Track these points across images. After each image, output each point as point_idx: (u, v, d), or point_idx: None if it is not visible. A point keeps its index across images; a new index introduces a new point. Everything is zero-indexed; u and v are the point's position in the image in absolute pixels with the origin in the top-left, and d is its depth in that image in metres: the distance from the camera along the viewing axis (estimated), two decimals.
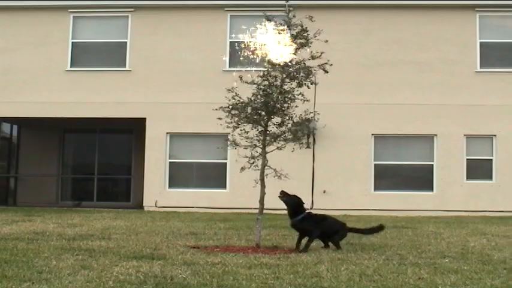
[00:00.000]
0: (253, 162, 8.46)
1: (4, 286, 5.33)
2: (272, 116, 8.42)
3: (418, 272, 6.44)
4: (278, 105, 8.32)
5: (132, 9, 18.63)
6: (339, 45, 17.89)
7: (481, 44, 18.01)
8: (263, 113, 8.38)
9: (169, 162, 18.26)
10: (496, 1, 18.14)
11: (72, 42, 18.70)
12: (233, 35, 17.99)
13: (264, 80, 8.35)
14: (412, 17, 18.25)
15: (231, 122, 8.44)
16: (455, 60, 17.95)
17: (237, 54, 16.11)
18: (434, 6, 18.20)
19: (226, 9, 18.36)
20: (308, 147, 17.01)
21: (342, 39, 18.04)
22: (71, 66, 18.66)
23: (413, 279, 6.01)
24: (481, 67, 17.95)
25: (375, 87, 17.97)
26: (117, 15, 18.77)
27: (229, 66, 17.84)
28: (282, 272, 6.28)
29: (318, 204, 16.83)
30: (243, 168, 8.40)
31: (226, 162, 17.65)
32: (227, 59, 18.05)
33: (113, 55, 18.74)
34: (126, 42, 18.59)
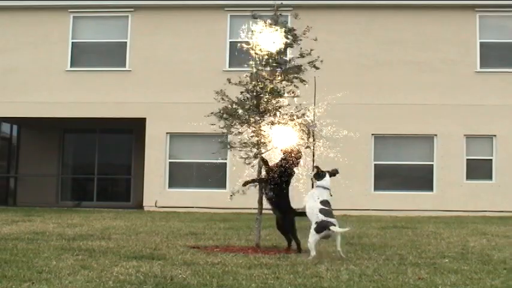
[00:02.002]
0: (249, 163, 8.45)
1: (4, 286, 5.33)
2: (264, 116, 8.41)
3: (418, 272, 6.44)
4: (270, 107, 8.31)
5: (132, 9, 18.63)
6: (339, 45, 17.90)
7: (481, 44, 18.01)
8: (255, 114, 8.38)
9: (169, 162, 18.26)
10: (496, 1, 18.14)
11: (72, 42, 18.70)
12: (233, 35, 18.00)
13: (251, 81, 8.35)
14: (412, 17, 18.25)
15: (225, 126, 8.43)
16: (455, 60, 17.95)
17: (237, 54, 16.08)
18: (434, 6, 18.20)
19: (226, 9, 18.36)
20: (308, 147, 17.00)
21: (342, 39, 18.05)
22: (71, 66, 18.66)
23: (413, 279, 6.01)
24: (481, 67, 17.95)
25: (374, 87, 17.96)
26: (117, 15, 18.77)
27: (229, 66, 17.86)
28: (282, 272, 6.28)
29: None
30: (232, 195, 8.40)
31: (226, 163, 17.64)
32: (226, 58, 18.07)
33: (113, 55, 18.74)
34: (126, 42, 18.60)
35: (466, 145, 17.78)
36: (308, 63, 8.34)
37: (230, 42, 18.25)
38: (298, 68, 8.30)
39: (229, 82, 8.32)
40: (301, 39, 8.42)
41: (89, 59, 18.88)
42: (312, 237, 7.34)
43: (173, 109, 18.12)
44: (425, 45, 18.00)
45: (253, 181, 8.39)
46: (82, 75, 18.66)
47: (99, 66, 18.67)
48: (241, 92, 8.36)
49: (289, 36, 8.34)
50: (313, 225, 7.40)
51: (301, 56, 8.34)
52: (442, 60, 17.94)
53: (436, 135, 17.83)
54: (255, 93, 8.32)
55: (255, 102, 8.30)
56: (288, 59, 8.47)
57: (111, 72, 18.64)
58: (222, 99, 8.38)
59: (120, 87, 18.46)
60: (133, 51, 18.53)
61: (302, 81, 8.41)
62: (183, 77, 18.25)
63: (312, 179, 7.90)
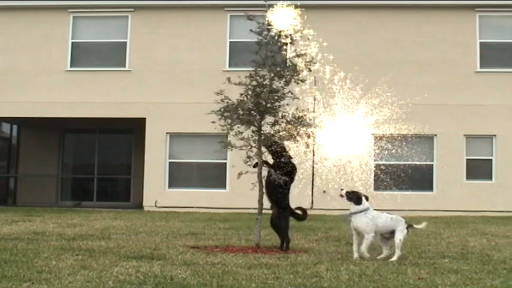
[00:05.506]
0: (247, 161, 8.45)
1: (4, 286, 5.33)
2: (265, 116, 8.41)
3: (418, 272, 6.44)
4: (269, 105, 8.31)
5: (132, 9, 18.63)
6: (339, 45, 17.88)
7: (481, 44, 18.00)
8: (255, 113, 8.38)
9: (169, 162, 18.26)
10: (496, 1, 18.14)
11: (72, 42, 18.70)
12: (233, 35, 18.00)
13: (252, 80, 8.34)
14: (412, 17, 18.25)
15: (225, 125, 8.43)
16: (455, 60, 17.94)
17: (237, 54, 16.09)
18: (434, 6, 18.20)
19: (226, 9, 18.36)
20: (308, 147, 17.00)
21: (342, 39, 18.04)
22: (71, 66, 18.66)
23: (413, 279, 6.01)
24: (481, 67, 17.95)
25: (374, 87, 17.94)
26: (117, 15, 18.77)
27: (229, 66, 17.86)
28: (282, 272, 6.28)
29: (318, 204, 16.83)
30: (240, 174, 8.34)
31: (226, 163, 17.64)
32: (226, 58, 18.07)
33: (113, 55, 18.73)
34: (126, 42, 18.59)
35: (466, 145, 17.78)
36: (305, 63, 8.32)
37: (230, 42, 18.25)
38: (295, 68, 8.29)
39: (229, 82, 8.30)
40: (295, 39, 8.41)
41: (89, 59, 18.88)
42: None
43: (173, 109, 18.12)
44: (425, 45, 18.00)
45: (265, 163, 8.48)
46: (82, 75, 18.66)
47: (99, 66, 18.67)
48: (241, 94, 8.35)
49: (291, 35, 8.33)
50: (403, 227, 7.79)
51: (297, 56, 8.32)
52: (442, 60, 17.94)
53: (436, 135, 17.83)
54: (254, 93, 8.31)
55: (253, 101, 8.29)
56: (284, 58, 8.46)
57: (111, 72, 18.64)
58: (222, 100, 8.36)
59: (120, 87, 18.46)
60: (133, 51, 18.52)
61: (301, 81, 8.40)
62: (183, 77, 18.25)
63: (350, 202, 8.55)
